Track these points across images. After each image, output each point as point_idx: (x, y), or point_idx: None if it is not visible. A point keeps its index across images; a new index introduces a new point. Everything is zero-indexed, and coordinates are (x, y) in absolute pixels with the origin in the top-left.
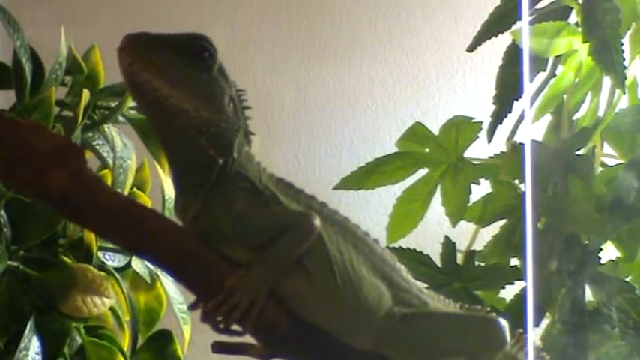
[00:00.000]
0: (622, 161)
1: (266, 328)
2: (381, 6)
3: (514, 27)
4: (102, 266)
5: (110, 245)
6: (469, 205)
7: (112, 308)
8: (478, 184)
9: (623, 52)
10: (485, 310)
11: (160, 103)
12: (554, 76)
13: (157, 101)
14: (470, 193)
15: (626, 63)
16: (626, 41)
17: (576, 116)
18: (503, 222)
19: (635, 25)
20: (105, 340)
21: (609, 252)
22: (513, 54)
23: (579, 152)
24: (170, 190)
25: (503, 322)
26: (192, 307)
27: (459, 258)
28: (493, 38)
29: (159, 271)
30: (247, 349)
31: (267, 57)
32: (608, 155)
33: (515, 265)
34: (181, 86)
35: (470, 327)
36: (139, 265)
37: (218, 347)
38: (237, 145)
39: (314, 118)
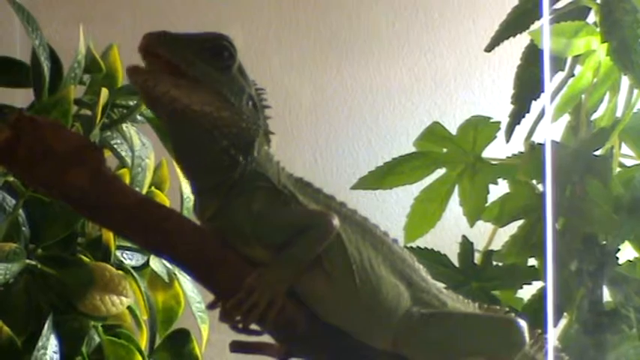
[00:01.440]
0: None
1: (284, 328)
2: (398, 6)
3: (532, 27)
4: (120, 265)
5: (128, 244)
6: (487, 205)
7: (129, 307)
8: (496, 184)
9: None
10: (503, 310)
11: (180, 111)
12: (573, 76)
13: (177, 110)
14: (488, 192)
15: None
16: None
17: (594, 116)
18: (520, 222)
19: None
20: (123, 339)
21: (627, 252)
22: (531, 54)
23: (597, 152)
24: (188, 189)
25: (523, 323)
26: (210, 306)
27: (477, 258)
28: (511, 38)
29: (177, 270)
30: (265, 348)
31: (285, 56)
32: (627, 155)
33: (533, 266)
34: (201, 88)
35: (489, 328)
36: (157, 264)
37: (236, 346)
38: (257, 144)
39: (332, 118)
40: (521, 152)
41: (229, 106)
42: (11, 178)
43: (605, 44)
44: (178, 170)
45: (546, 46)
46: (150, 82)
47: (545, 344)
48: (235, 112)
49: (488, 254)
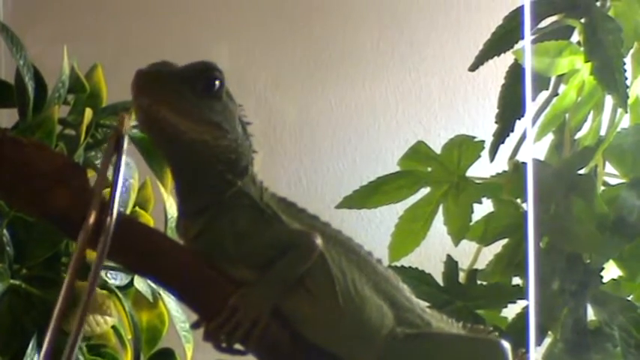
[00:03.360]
0: (624, 180)
1: (268, 348)
2: (383, 25)
3: (516, 46)
4: (104, 285)
5: (112, 264)
6: (471, 224)
7: (114, 327)
8: (480, 203)
9: (625, 71)
10: (487, 329)
11: (179, 138)
12: (557, 95)
13: (176, 137)
14: (472, 212)
15: (628, 82)
16: (628, 60)
17: (578, 135)
18: (505, 241)
19: (637, 45)
20: (107, 358)
21: (611, 271)
22: (516, 73)
23: (581, 171)
24: (172, 209)
25: (506, 345)
26: (194, 325)
27: (461, 277)
28: (495, 57)
29: (161, 290)
30: None
31: (270, 75)
32: (611, 174)
33: (518, 284)
34: (198, 118)
35: (473, 349)
36: (141, 283)
37: None
38: (251, 164)
39: (316, 137)
40: (506, 171)
41: (225, 133)
42: None
43: (589, 63)
44: (163, 190)
45: (528, 65)
46: (154, 106)
47: None
48: (232, 140)
49: (472, 273)
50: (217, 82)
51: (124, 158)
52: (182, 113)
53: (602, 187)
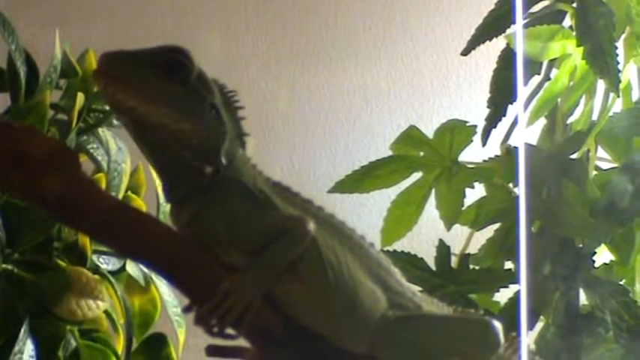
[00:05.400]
0: (616, 165)
1: (260, 332)
2: (375, 10)
3: (508, 30)
4: (96, 270)
5: (104, 249)
6: (463, 208)
7: (106, 312)
8: (472, 187)
9: (617, 55)
10: (479, 313)
11: (138, 121)
12: (549, 79)
13: (135, 120)
14: (464, 196)
15: (620, 67)
16: (620, 45)
17: (570, 120)
18: (497, 225)
19: (629, 29)
20: (99, 343)
21: (603, 256)
22: (508, 58)
23: (573, 156)
24: None
25: (497, 325)
26: (186, 310)
27: (453, 261)
28: (487, 42)
29: (153, 275)
30: (242, 352)
31: (262, 61)
32: (602, 159)
33: (510, 269)
34: (158, 102)
35: (464, 329)
36: (133, 268)
37: (213, 351)
38: (224, 151)
39: (308, 122)
40: (498, 156)
41: (187, 117)
42: None
43: (581, 48)
44: (155, 175)
45: (519, 49)
46: (110, 88)
47: (520, 347)
48: (195, 123)
49: (464, 258)
50: (180, 66)
51: None
52: (141, 96)
53: (594, 172)
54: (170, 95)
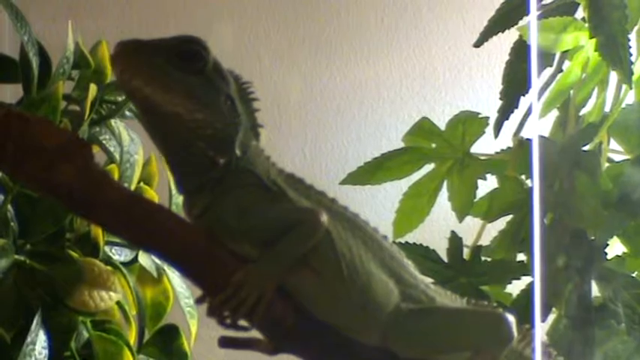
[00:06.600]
0: (629, 157)
1: (273, 324)
2: (387, 1)
3: (521, 22)
4: (108, 261)
5: (117, 240)
6: (475, 200)
7: (118, 303)
8: (484, 179)
9: (630, 47)
10: (491, 305)
11: (153, 110)
12: (561, 71)
13: (150, 108)
14: (476, 188)
15: (632, 59)
16: (633, 37)
17: (583, 112)
18: (509, 217)
19: None
20: (111, 334)
21: (616, 248)
22: (520, 49)
23: (586, 148)
24: None
25: (511, 318)
26: (198, 301)
27: (466, 253)
28: (500, 34)
29: (165, 266)
30: (254, 344)
31: (274, 52)
32: (615, 151)
33: (522, 261)
34: (173, 91)
35: (477, 322)
36: (145, 259)
37: (225, 342)
38: (238, 142)
39: (321, 113)
40: (510, 148)
41: (202, 107)
42: None
43: (594, 40)
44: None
45: (533, 41)
46: (126, 75)
47: (533, 339)
48: (210, 114)
49: (476, 249)
50: (196, 56)
51: None
52: (156, 84)
53: (607, 164)
54: (185, 85)
